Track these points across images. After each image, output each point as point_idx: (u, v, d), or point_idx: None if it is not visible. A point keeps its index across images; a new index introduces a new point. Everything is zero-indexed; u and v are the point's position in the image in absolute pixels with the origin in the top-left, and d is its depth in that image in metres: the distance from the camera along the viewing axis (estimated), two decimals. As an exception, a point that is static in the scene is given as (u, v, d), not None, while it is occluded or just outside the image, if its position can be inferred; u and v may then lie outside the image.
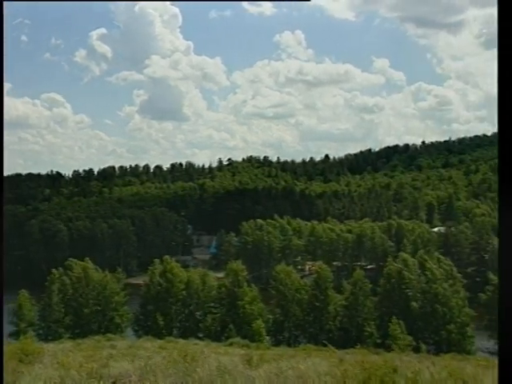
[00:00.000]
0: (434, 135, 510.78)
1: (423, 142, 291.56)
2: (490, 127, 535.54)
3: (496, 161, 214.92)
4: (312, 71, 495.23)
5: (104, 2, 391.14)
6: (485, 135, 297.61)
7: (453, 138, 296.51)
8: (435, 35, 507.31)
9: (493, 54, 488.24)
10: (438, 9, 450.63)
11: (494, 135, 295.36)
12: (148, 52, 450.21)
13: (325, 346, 33.83)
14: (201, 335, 63.50)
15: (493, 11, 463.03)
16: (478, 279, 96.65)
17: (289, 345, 59.67)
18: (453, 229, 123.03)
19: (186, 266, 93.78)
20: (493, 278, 72.20)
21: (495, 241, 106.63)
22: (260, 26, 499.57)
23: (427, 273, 69.60)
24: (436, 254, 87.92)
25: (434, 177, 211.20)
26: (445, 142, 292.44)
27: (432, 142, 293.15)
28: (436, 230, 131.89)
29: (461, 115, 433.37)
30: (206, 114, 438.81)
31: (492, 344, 68.33)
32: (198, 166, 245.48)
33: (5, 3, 6.39)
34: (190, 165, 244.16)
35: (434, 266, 71.22)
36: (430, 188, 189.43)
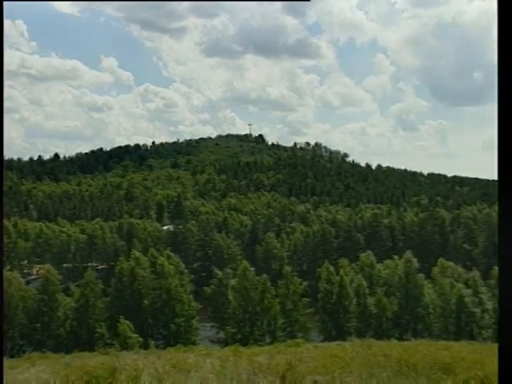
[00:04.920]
0: (162, 136, 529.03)
1: (153, 143, 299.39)
2: (213, 130, 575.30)
3: (222, 163, 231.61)
4: (36, 65, 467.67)
5: None
6: (210, 138, 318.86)
7: (181, 140, 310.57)
8: (159, 39, 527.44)
9: (212, 62, 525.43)
10: (161, 13, 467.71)
11: (218, 137, 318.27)
12: None
13: (54, 351, 32.66)
14: None
15: (211, 21, 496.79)
16: (203, 274, 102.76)
17: (12, 356, 55.75)
18: (181, 227, 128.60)
19: None
20: (217, 272, 77.72)
21: (218, 237, 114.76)
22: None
23: (158, 270, 71.84)
24: (166, 251, 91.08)
25: (164, 177, 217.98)
26: (173, 143, 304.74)
27: (162, 143, 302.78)
28: (166, 228, 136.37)
29: (186, 118, 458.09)
30: None
31: (214, 333, 73.62)
32: None
33: (5, 3, 6.13)
34: None
35: (165, 263, 73.84)
36: (160, 188, 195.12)
